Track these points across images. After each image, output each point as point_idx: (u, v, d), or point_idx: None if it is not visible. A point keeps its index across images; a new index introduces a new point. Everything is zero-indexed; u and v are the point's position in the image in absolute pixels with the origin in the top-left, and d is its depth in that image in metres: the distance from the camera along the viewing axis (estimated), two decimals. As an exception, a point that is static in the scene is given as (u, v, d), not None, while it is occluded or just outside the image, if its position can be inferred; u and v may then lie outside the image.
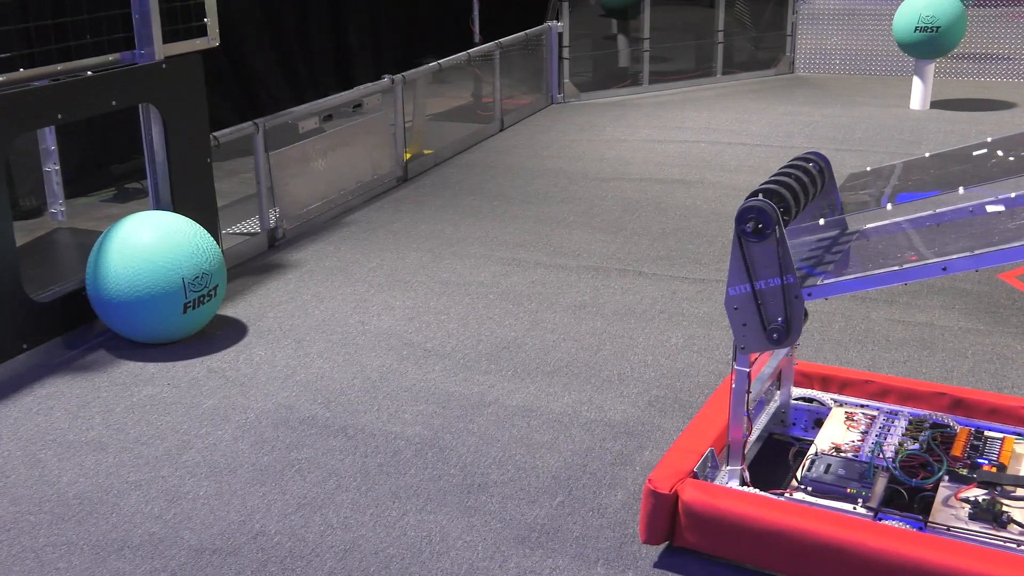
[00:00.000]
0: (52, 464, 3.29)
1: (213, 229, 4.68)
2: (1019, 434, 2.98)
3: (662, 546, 2.78)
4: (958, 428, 2.97)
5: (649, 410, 3.57)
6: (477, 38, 8.99)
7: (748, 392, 2.74)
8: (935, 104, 8.43)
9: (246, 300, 4.64)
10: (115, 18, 4.30)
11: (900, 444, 2.89)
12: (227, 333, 4.29)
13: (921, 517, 2.62)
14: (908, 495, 2.73)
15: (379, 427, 3.49)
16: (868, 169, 3.20)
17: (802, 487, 2.76)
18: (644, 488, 2.71)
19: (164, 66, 4.45)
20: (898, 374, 3.78)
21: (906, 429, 2.97)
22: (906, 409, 3.11)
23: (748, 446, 2.89)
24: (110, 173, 6.52)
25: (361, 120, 6.16)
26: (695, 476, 2.75)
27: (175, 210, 4.47)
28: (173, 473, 3.22)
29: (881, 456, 2.83)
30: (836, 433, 3.00)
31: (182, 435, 3.46)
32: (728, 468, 2.82)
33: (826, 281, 2.59)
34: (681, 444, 2.88)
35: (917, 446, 2.86)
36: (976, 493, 2.68)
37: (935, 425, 2.99)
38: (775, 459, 3.10)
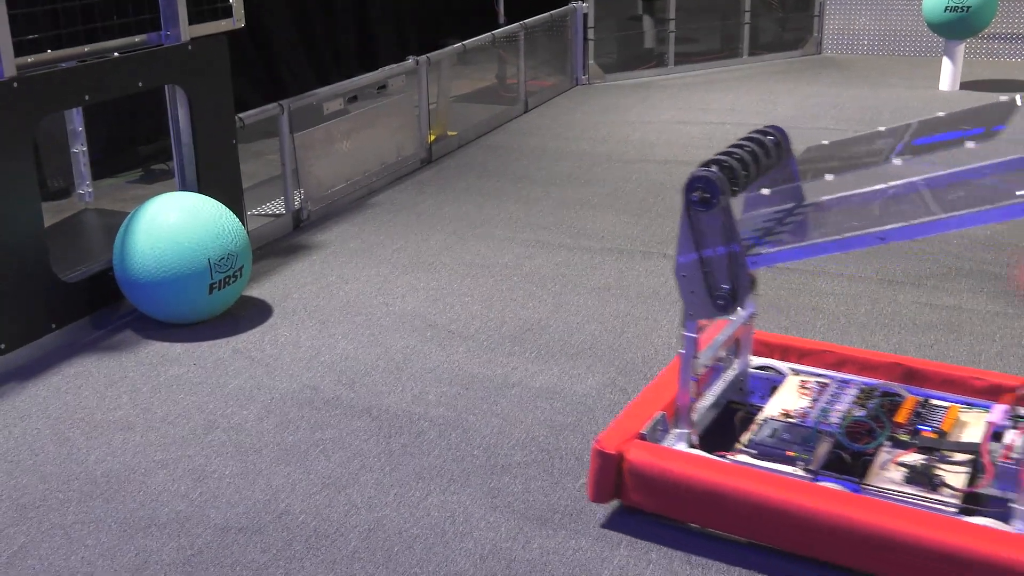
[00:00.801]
0: (80, 442, 3.33)
1: (238, 210, 4.70)
2: (967, 403, 3.03)
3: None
4: (907, 396, 3.05)
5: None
6: (502, 19, 8.96)
7: (696, 358, 2.81)
8: (964, 85, 8.32)
9: (271, 281, 4.67)
10: (141, -1, 4.33)
11: (848, 411, 2.96)
12: (252, 314, 4.31)
13: (857, 479, 2.70)
14: (852, 459, 2.80)
15: (403, 408, 3.50)
16: (825, 143, 3.21)
17: (747, 450, 2.84)
18: (592, 448, 2.79)
19: (190, 47, 4.46)
20: (926, 357, 3.75)
21: (856, 397, 3.05)
22: (859, 379, 3.18)
23: (700, 412, 2.98)
24: (136, 154, 6.56)
25: (385, 101, 6.16)
26: (643, 438, 2.84)
27: (201, 191, 4.49)
28: (199, 452, 3.25)
29: (826, 422, 2.90)
30: (788, 400, 3.09)
31: (208, 415, 3.48)
32: (676, 431, 2.90)
33: (770, 250, 2.67)
34: (633, 409, 2.97)
35: (864, 413, 2.94)
36: (915, 458, 2.77)
37: (885, 394, 3.06)
38: (732, 425, 3.11)
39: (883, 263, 4.66)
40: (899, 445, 2.83)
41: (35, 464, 3.20)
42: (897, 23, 9.62)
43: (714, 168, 2.61)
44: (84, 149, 5.36)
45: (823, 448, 2.83)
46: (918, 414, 2.97)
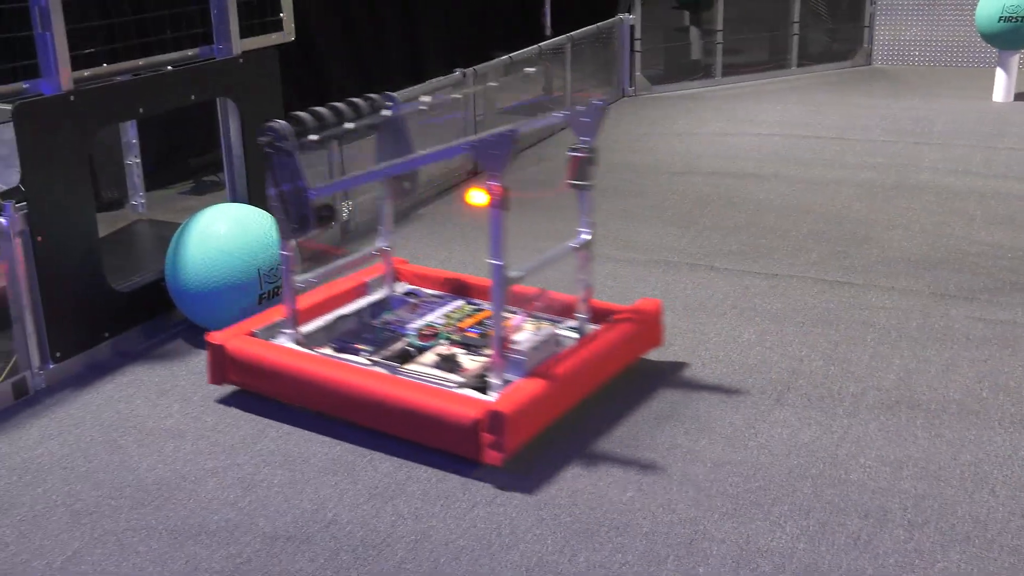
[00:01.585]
0: (132, 450, 3.37)
1: (287, 221, 4.74)
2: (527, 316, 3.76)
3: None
4: (485, 311, 3.82)
5: (721, 406, 3.54)
6: (548, 31, 8.97)
7: (292, 272, 3.62)
8: (1020, 96, 8.18)
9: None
10: (193, 14, 4.39)
11: (431, 322, 3.80)
12: (300, 324, 4.34)
13: (399, 364, 3.44)
14: (419, 353, 3.57)
15: (449, 419, 3.50)
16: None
17: (331, 345, 3.65)
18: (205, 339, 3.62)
19: (241, 61, 4.52)
20: (978, 374, 3.69)
21: (452, 311, 3.91)
22: (465, 300, 4.04)
23: (330, 320, 3.81)
24: (188, 166, 6.65)
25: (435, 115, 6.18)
26: (254, 335, 3.66)
27: (251, 202, 4.55)
28: (248, 461, 3.28)
29: (399, 324, 3.77)
30: (401, 313, 3.92)
31: (256, 424, 3.52)
32: (285, 331, 3.67)
33: (323, 184, 3.63)
34: (261, 316, 3.80)
35: (441, 320, 3.80)
36: (455, 351, 3.55)
37: (476, 310, 3.90)
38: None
39: (935, 276, 4.60)
40: (456, 344, 3.62)
41: (88, 471, 3.25)
42: (949, 33, 9.49)
43: (284, 121, 3.40)
44: (138, 161, 5.45)
45: (398, 345, 3.60)
46: (481, 323, 3.74)
